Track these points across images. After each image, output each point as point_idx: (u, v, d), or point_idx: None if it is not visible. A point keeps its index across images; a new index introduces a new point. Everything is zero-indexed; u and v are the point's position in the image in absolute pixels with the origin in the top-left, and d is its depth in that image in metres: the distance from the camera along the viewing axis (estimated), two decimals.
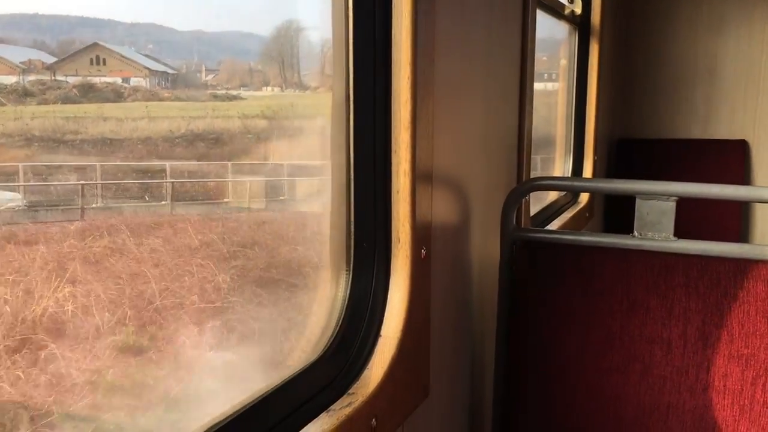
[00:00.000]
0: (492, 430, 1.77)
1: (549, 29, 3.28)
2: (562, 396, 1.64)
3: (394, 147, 1.28)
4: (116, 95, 2.75)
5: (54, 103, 2.40)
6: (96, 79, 2.65)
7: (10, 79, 2.22)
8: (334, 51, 1.25)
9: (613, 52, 3.83)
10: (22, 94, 2.26)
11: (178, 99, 3.18)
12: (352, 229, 1.30)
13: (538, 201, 2.92)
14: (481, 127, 1.73)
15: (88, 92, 2.55)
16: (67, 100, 2.42)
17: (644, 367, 1.57)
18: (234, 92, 3.85)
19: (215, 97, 3.64)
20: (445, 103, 1.45)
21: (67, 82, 2.51)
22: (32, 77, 2.35)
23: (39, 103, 2.31)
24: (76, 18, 2.96)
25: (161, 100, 3.11)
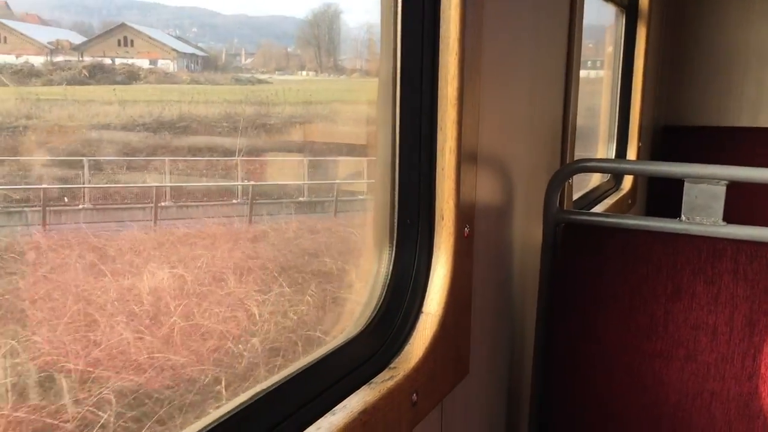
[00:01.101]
0: (530, 411, 1.76)
1: (594, 16, 3.22)
2: (603, 380, 1.62)
3: (440, 124, 1.28)
4: (129, 77, 2.65)
5: (59, 84, 2.31)
6: (109, 60, 2.58)
7: (17, 60, 2.17)
8: (382, 28, 1.25)
9: (661, 36, 3.75)
10: (27, 75, 2.18)
11: (195, 82, 3.05)
12: (396, 206, 1.30)
13: (579, 188, 2.88)
14: (527, 108, 1.71)
15: (97, 73, 2.45)
16: (73, 81, 2.34)
17: (688, 353, 1.54)
18: (262, 76, 3.78)
19: (237, 80, 3.56)
20: (492, 84, 1.44)
21: (82, 62, 2.45)
22: (59, 58, 2.32)
23: (44, 84, 2.23)
24: (122, 1, 3.00)
25: (176, 83, 2.98)
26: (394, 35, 1.25)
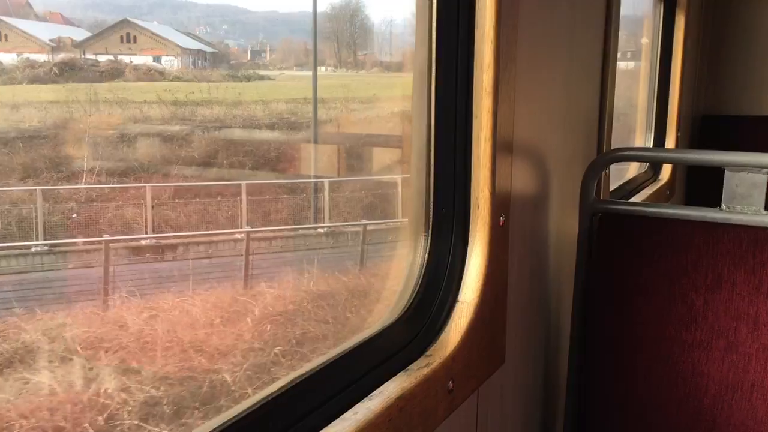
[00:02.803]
0: (567, 400, 1.75)
1: (631, 5, 3.16)
2: (641, 370, 1.61)
3: (475, 112, 1.28)
4: (110, 75, 2.57)
5: (20, 83, 2.26)
6: (81, 57, 2.51)
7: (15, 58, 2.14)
8: (417, 15, 1.26)
9: (700, 24, 3.67)
10: None
11: (177, 79, 2.99)
12: (432, 194, 1.31)
13: (616, 179, 2.84)
14: (563, 97, 1.70)
15: (64, 71, 2.40)
16: (36, 80, 2.29)
17: (728, 344, 1.52)
18: (265, 72, 3.73)
19: (232, 77, 3.53)
20: (527, 73, 1.44)
21: (53, 60, 2.41)
22: (61, 55, 2.31)
23: (4, 83, 2.19)
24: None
25: (156, 80, 2.89)
26: (429, 24, 1.25)
